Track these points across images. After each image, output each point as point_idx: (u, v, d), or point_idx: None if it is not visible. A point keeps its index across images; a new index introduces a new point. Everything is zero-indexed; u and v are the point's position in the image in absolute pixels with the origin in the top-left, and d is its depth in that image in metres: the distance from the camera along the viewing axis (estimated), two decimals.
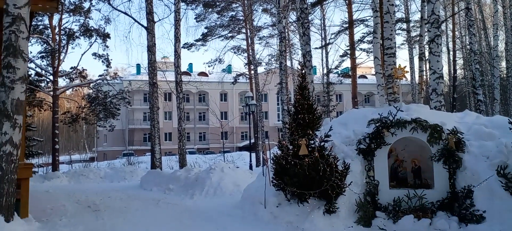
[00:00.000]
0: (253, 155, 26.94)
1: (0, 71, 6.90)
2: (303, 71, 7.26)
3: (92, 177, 21.47)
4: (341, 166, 6.94)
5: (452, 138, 7.13)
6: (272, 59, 40.93)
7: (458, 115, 8.24)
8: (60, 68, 25.71)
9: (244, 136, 63.84)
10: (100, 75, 27.03)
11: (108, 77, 26.28)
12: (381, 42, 11.57)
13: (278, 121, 63.60)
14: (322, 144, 7.00)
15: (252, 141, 30.86)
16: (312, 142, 6.94)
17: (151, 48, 17.49)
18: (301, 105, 6.97)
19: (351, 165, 7.06)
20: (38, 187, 15.43)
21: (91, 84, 28.03)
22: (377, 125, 7.45)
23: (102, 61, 27.52)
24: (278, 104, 62.95)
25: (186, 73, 53.64)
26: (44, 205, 10.11)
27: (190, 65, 66.49)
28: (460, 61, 33.79)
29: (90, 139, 67.07)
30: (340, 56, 31.02)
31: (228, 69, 53.00)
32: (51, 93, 25.17)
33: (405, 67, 8.02)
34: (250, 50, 33.79)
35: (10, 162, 6.48)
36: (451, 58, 25.66)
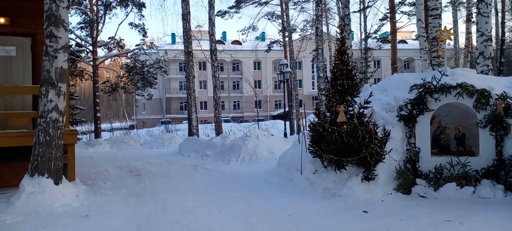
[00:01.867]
0: (287, 123, 26.87)
1: (44, 41, 7.13)
2: (342, 35, 7.00)
3: (132, 144, 22.31)
4: (381, 133, 6.75)
5: (500, 103, 6.75)
6: (307, 25, 40.04)
7: (508, 79, 7.76)
8: (98, 39, 26.35)
9: (278, 105, 63.84)
10: (137, 45, 27.48)
11: (144, 47, 26.67)
12: (424, 3, 10.95)
13: (313, 89, 62.93)
14: (361, 110, 6.82)
15: (286, 109, 30.76)
16: (351, 108, 6.77)
17: (185, 16, 17.48)
18: (339, 70, 6.77)
19: (391, 132, 6.87)
20: (82, 153, 16.17)
21: (129, 54, 28.62)
22: (419, 90, 7.16)
23: (138, 30, 27.93)
24: (312, 72, 62.08)
25: (220, 42, 53.56)
26: (89, 169, 10.60)
27: (224, 33, 66.35)
28: (509, 23, 31.60)
29: (129, 108, 69.25)
30: (380, 20, 29.82)
31: (262, 37, 52.41)
32: (91, 63, 25.96)
33: (451, 29, 7.57)
34: (285, 16, 33.15)
35: (57, 128, 6.77)
36: (499, 20, 24.05)
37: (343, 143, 6.44)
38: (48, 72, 6.71)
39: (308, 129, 7.33)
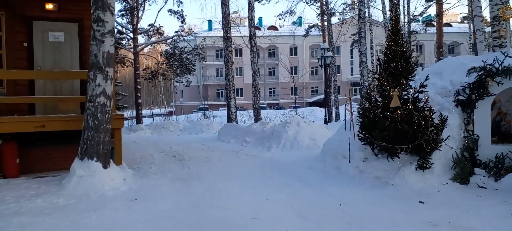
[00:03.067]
0: (326, 110, 26.33)
1: (90, 26, 7.18)
2: (396, 14, 6.57)
3: (172, 129, 22.72)
4: (437, 119, 6.33)
5: None
6: (347, 9, 38.95)
7: None
8: (138, 26, 26.79)
9: (314, 91, 63.01)
10: (176, 32, 27.72)
11: (183, 34, 26.87)
12: None
13: (351, 75, 61.51)
14: (416, 95, 6.41)
15: (323, 95, 30.15)
16: (405, 93, 6.38)
17: (224, 1, 17.34)
18: (393, 52, 6.37)
19: (448, 118, 6.42)
20: (125, 138, 16.55)
21: (168, 41, 28.95)
22: (479, 73, 6.64)
23: (177, 17, 28.11)
24: (351, 57, 60.58)
25: (256, 27, 53.31)
26: (133, 154, 10.80)
27: (260, 19, 65.85)
28: None
29: (168, 94, 70.60)
30: (425, 1, 28.40)
31: (299, 22, 51.58)
32: (132, 50, 26.48)
33: None
34: None
35: (105, 112, 6.84)
36: None
37: (397, 129, 6.09)
38: (96, 56, 6.76)
39: (357, 115, 7.01)
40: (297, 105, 54.10)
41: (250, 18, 16.43)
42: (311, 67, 62.03)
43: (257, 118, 16.84)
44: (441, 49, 24.91)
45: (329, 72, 32.19)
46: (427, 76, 6.40)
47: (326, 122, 19.14)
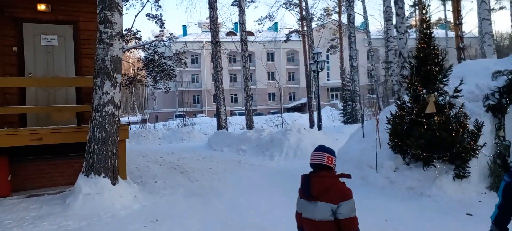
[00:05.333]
0: (315, 114, 26.12)
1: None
2: (426, 15, 6.26)
3: (151, 138, 21.79)
4: (472, 125, 6.06)
5: None
6: (325, 14, 39.24)
7: None
8: None
9: (292, 97, 63.06)
10: (156, 37, 26.83)
11: (164, 39, 26.02)
12: None
13: (328, 80, 61.89)
14: (450, 100, 6.12)
15: (315, 101, 30.02)
16: (441, 98, 6.07)
17: (212, 4, 16.78)
18: (426, 55, 6.05)
19: (483, 123, 6.15)
20: None
21: (146, 46, 27.96)
22: (510, 77, 6.43)
23: (156, 21, 27.23)
24: (327, 62, 60.93)
25: (232, 33, 52.75)
26: (128, 166, 10.02)
27: (235, 24, 65.41)
28: None
29: (140, 101, 68.82)
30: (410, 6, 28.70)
31: (275, 28, 51.55)
32: None
33: None
34: (303, 4, 32.21)
35: (113, 122, 6.18)
36: None
37: (434, 136, 5.76)
38: (103, 61, 6.09)
39: (386, 121, 6.63)
40: (274, 111, 53.88)
41: (241, 22, 15.96)
42: (288, 73, 62.04)
43: (249, 125, 16.33)
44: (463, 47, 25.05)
45: (311, 78, 32.14)
46: (462, 80, 6.12)
47: (320, 128, 18.79)
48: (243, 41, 15.87)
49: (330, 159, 2.70)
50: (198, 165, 10.39)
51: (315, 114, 30.71)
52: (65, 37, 7.82)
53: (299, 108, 54.96)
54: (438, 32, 49.47)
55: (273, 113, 48.28)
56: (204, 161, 11.21)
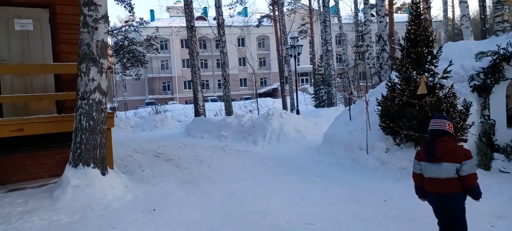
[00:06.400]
0: (288, 98, 26.22)
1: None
2: None
3: (123, 126, 21.19)
4: (461, 105, 6.20)
5: None
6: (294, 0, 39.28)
7: None
8: None
9: (263, 82, 63.07)
10: (126, 22, 25.99)
11: (134, 24, 25.22)
12: None
13: (298, 65, 62.20)
14: (439, 81, 6.23)
15: (289, 85, 30.13)
16: (431, 79, 6.16)
17: None
18: (417, 36, 6.11)
19: (472, 103, 6.32)
20: None
21: (115, 32, 27.04)
22: (494, 57, 6.61)
23: (125, 6, 26.34)
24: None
25: (201, 18, 51.78)
26: None
27: (205, 9, 64.34)
28: None
29: (109, 89, 66.85)
30: None
31: (245, 12, 51.14)
32: None
33: None
34: None
35: (101, 110, 5.90)
36: None
37: (426, 117, 5.85)
38: (88, 46, 5.77)
39: (377, 103, 6.69)
40: (247, 96, 53.78)
41: (218, 6, 15.63)
42: (259, 58, 61.92)
43: (228, 111, 16.16)
44: (392, 38, 25.72)
45: (283, 63, 32.18)
46: (451, 61, 6.23)
47: (298, 112, 18.85)
48: (220, 26, 15.59)
49: (450, 125, 3.22)
50: (181, 152, 10.19)
51: (288, 99, 30.90)
52: (40, 21, 7.36)
53: (270, 94, 55.09)
54: (403, 16, 50.52)
55: (246, 99, 48.15)
56: (186, 148, 11.01)
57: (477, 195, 3.14)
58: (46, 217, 4.88)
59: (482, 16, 24.48)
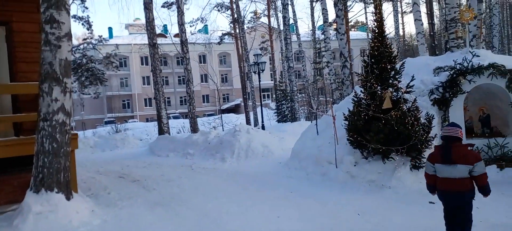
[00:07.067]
0: (251, 114, 26.28)
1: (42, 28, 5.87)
2: (380, 15, 6.54)
3: (82, 146, 20.27)
4: (424, 118, 6.48)
5: None
6: (254, 17, 39.89)
7: None
8: None
9: (226, 98, 63.01)
10: (84, 39, 25.24)
11: (93, 41, 24.56)
12: None
13: (258, 81, 62.65)
14: (402, 96, 6.48)
15: (234, 102, 30.22)
16: (395, 94, 6.40)
17: (148, 5, 16.16)
18: (380, 53, 6.35)
19: (434, 116, 6.61)
20: None
21: (73, 49, 26.18)
22: (451, 72, 6.99)
23: (82, 24, 25.63)
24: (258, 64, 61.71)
25: (161, 35, 51.19)
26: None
27: (165, 26, 63.73)
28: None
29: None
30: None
31: (205, 30, 51.14)
32: None
33: (472, 9, 7.50)
34: (235, 7, 32.32)
35: (64, 132, 5.64)
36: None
37: (392, 130, 6.06)
38: (51, 65, 5.52)
39: (344, 118, 6.83)
40: (210, 113, 53.39)
41: (181, 23, 15.53)
42: (221, 75, 61.91)
43: (194, 128, 15.95)
44: (350, 55, 26.64)
45: (246, 79, 32.37)
46: (413, 77, 6.51)
47: (263, 127, 18.95)
48: (183, 43, 15.48)
49: (461, 132, 3.70)
50: (147, 172, 9.89)
51: (251, 115, 31.01)
52: None
53: (233, 110, 55.11)
54: (357, 34, 52.26)
55: (209, 115, 47.79)
56: (151, 168, 10.72)
57: (487, 192, 3.61)
58: None
59: (431, 33, 25.99)
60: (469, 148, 3.70)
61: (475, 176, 3.52)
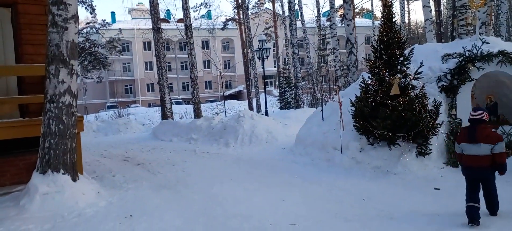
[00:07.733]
0: (254, 100, 26.25)
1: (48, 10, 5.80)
2: (389, 0, 6.47)
3: (84, 131, 20.38)
4: (431, 105, 6.43)
5: None
6: (258, 2, 39.50)
7: None
8: None
9: (228, 85, 62.93)
10: (87, 23, 25.12)
11: (96, 25, 24.44)
12: None
13: (262, 68, 62.53)
14: (411, 82, 6.42)
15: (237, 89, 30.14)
16: (403, 80, 6.34)
17: None
18: (390, 39, 6.28)
19: (441, 103, 6.56)
20: None
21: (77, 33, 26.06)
22: (460, 59, 6.91)
23: (86, 8, 25.48)
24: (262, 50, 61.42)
25: (164, 20, 50.88)
26: None
27: (168, 11, 63.36)
28: None
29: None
30: None
31: (208, 16, 50.82)
32: None
33: None
34: None
35: (71, 114, 5.64)
36: None
37: (399, 117, 6.02)
38: (57, 46, 5.49)
39: (351, 104, 6.80)
40: (212, 99, 53.33)
41: (185, 7, 15.41)
42: (224, 61, 61.68)
43: (197, 113, 15.93)
44: (355, 42, 26.42)
45: (249, 65, 32.23)
46: (421, 63, 6.45)
47: (267, 113, 18.92)
48: (188, 28, 15.38)
49: (486, 115, 4.28)
50: (151, 156, 9.93)
51: (254, 101, 30.98)
52: (2, 21, 6.95)
53: (236, 96, 55.02)
54: (362, 21, 51.69)
55: (211, 101, 47.75)
56: (155, 152, 10.75)
57: (503, 169, 4.20)
58: (13, 228, 4.59)
59: (438, 21, 25.73)
60: (493, 130, 4.16)
61: (495, 153, 4.06)
